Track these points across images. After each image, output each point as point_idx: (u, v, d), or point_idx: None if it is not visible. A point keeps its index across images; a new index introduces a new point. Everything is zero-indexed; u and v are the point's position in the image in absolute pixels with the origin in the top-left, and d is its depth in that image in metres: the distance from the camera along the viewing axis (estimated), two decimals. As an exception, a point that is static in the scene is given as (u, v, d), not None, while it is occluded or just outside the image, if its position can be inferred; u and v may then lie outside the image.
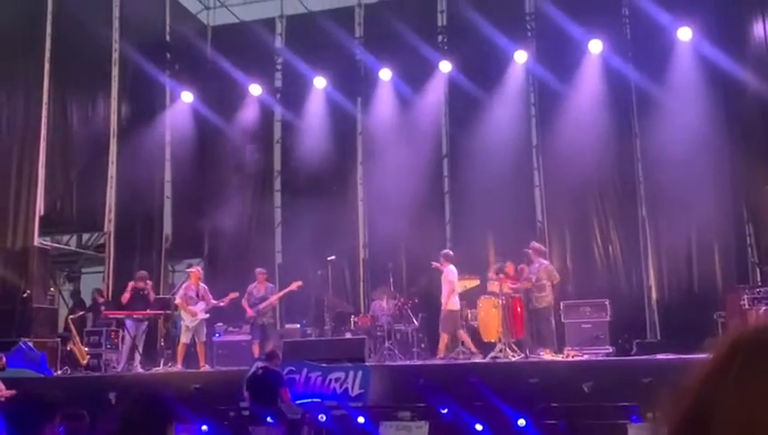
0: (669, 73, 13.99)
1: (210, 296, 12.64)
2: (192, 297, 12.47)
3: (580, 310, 12.35)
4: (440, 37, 16.01)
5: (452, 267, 12.25)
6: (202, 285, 12.73)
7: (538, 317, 11.90)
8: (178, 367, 12.07)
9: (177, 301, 12.62)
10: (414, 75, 15.68)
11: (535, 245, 12.37)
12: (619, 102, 14.70)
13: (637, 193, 14.65)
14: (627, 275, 14.34)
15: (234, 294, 12.81)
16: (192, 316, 12.31)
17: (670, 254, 14.05)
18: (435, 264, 12.46)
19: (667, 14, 13.79)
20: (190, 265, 14.88)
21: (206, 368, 12.14)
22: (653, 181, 14.41)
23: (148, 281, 12.98)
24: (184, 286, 12.88)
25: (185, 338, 12.34)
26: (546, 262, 12.24)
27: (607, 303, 12.26)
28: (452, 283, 12.10)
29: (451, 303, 11.99)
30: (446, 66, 15.38)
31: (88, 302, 14.76)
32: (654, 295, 14.17)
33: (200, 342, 12.46)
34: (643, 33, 14.41)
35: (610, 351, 11.70)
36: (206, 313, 12.52)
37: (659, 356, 10.52)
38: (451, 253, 12.56)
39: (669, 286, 14.07)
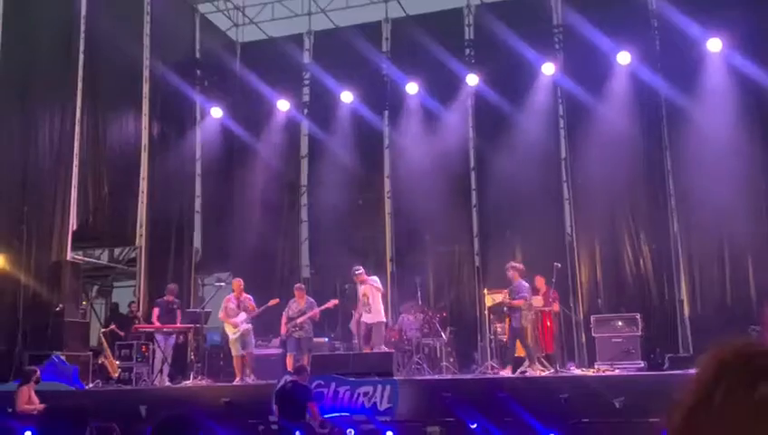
0: (699, 85, 13.85)
1: (254, 304, 12.52)
2: (233, 309, 12.43)
3: (611, 324, 12.19)
4: (467, 51, 16.02)
5: (374, 277, 12.25)
6: (245, 295, 12.65)
7: (513, 335, 11.38)
8: (243, 379, 12.02)
9: (220, 316, 12.63)
10: (441, 89, 15.70)
11: (514, 264, 11.83)
12: (648, 114, 14.57)
13: (668, 205, 14.45)
14: (658, 289, 14.13)
15: (275, 301, 12.77)
16: (234, 328, 12.33)
17: (703, 266, 13.84)
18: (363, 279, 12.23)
19: (697, 25, 13.66)
20: (219, 279, 14.95)
21: (239, 381, 12.07)
22: (684, 193, 14.22)
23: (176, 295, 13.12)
24: (225, 299, 12.85)
25: (234, 350, 12.33)
26: (525, 284, 11.50)
27: (638, 317, 12.08)
28: (380, 289, 12.12)
29: (382, 314, 11.96)
30: (473, 79, 15.38)
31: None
32: (686, 309, 13.93)
33: (246, 352, 12.32)
34: (672, 44, 14.27)
35: (642, 365, 11.53)
36: (248, 322, 12.43)
37: (692, 371, 10.30)
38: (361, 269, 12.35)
39: (702, 300, 13.83)
